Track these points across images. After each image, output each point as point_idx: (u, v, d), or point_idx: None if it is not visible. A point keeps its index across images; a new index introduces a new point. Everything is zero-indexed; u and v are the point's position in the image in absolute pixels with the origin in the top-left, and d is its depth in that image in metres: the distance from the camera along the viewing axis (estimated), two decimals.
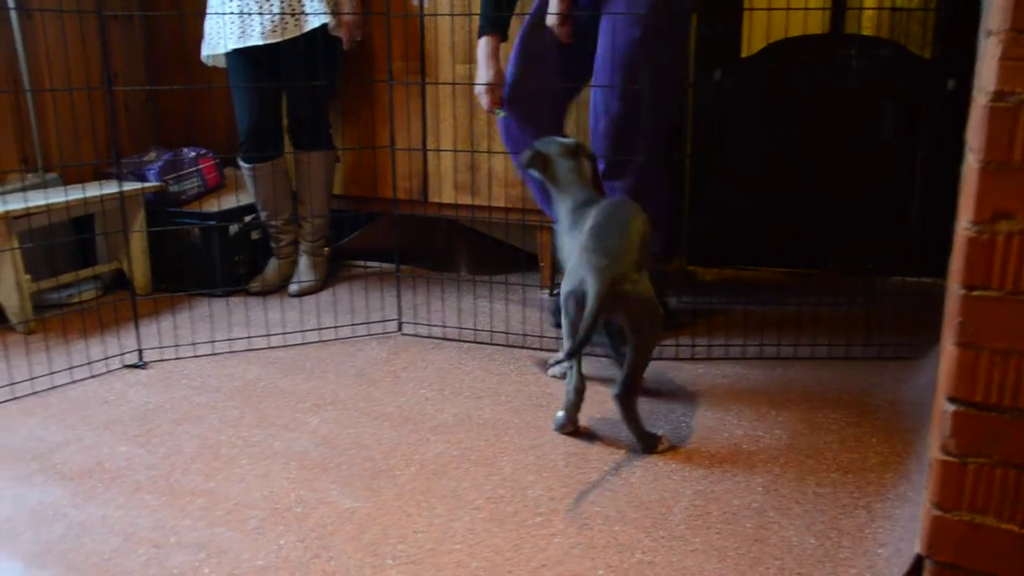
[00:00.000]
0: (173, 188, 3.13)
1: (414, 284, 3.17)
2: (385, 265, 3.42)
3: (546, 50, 2.54)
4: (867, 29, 3.10)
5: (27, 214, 2.72)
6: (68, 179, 3.20)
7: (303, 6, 2.89)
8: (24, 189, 2.99)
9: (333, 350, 2.57)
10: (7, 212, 2.64)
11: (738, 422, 2.06)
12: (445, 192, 3.16)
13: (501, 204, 3.04)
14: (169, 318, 2.86)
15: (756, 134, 3.18)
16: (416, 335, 2.69)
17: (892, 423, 2.05)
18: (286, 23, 2.89)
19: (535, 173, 2.22)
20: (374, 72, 3.17)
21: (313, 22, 2.90)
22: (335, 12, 2.93)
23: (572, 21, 2.49)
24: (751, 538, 1.59)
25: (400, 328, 2.72)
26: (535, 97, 2.55)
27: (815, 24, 3.12)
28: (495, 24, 2.53)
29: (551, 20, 2.48)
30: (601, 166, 2.51)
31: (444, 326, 2.72)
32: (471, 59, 2.95)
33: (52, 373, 2.37)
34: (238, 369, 2.42)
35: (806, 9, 3.05)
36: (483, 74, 2.55)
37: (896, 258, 3.10)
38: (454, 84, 3.02)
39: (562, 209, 2.16)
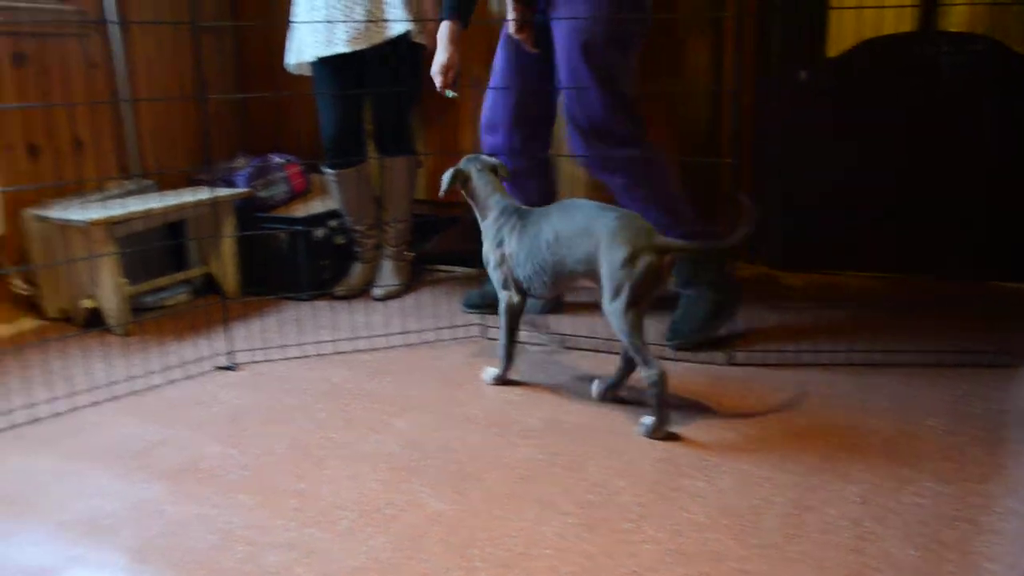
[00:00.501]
0: (261, 194, 3.20)
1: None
2: (467, 270, 3.44)
3: (527, 58, 2.62)
4: (960, 25, 3.01)
5: (127, 219, 2.81)
6: (162, 186, 3.30)
7: (386, 14, 2.92)
8: (122, 196, 3.09)
9: (418, 354, 2.59)
10: (110, 218, 2.72)
11: (829, 430, 2.01)
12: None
13: None
14: (257, 321, 2.92)
15: (844, 135, 3.11)
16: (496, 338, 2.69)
17: (993, 433, 1.98)
18: (369, 31, 2.93)
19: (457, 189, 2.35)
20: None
21: (396, 29, 2.93)
22: (418, 19, 2.96)
23: (530, 27, 2.57)
24: (849, 549, 1.55)
25: (484, 332, 2.73)
26: (526, 104, 2.66)
27: (904, 21, 3.04)
28: (457, 11, 2.60)
29: (510, 28, 2.58)
30: (589, 165, 2.58)
31: (527, 330, 2.72)
32: None
33: (148, 374, 2.44)
34: (325, 372, 2.46)
35: (894, 7, 2.97)
36: (441, 56, 2.62)
37: (991, 262, 3.00)
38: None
39: (489, 218, 2.29)
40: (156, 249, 3.14)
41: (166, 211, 2.94)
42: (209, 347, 2.65)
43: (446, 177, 2.31)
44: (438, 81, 2.63)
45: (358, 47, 2.93)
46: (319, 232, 3.18)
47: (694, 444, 1.96)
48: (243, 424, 2.13)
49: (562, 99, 2.54)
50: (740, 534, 1.61)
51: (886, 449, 1.92)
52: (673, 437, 1.99)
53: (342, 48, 2.94)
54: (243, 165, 3.27)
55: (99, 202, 2.96)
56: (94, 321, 2.86)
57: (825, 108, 3.13)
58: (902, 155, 3.05)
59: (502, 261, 2.25)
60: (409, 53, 3.01)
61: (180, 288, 3.17)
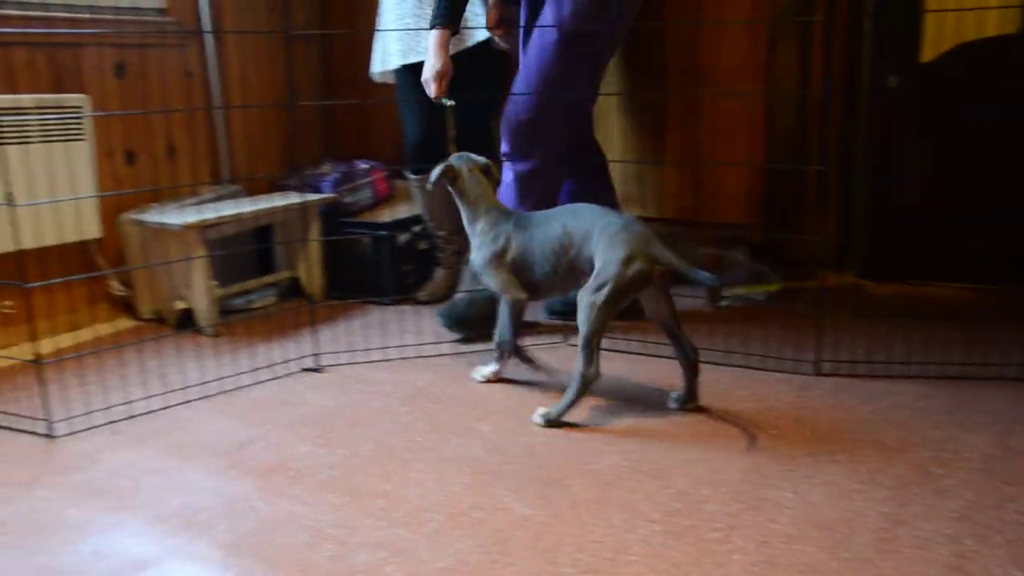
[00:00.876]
0: (347, 199, 3.26)
1: None
2: None
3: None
4: None
5: (219, 223, 2.88)
6: (250, 191, 3.38)
7: (468, 21, 2.95)
8: (213, 200, 3.17)
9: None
10: (203, 221, 2.80)
11: (923, 443, 1.96)
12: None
13: (671, 216, 3.01)
14: (342, 324, 2.97)
15: (936, 142, 3.03)
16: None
17: None
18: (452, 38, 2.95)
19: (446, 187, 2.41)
20: None
21: (478, 36, 2.95)
22: (493, 27, 2.97)
23: (508, 25, 2.73)
24: (948, 567, 1.51)
25: (565, 339, 2.73)
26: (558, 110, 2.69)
27: (1009, 23, 2.94)
28: (448, 18, 2.67)
29: (487, 21, 2.73)
30: (504, 147, 2.73)
31: (611, 337, 2.71)
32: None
33: (238, 375, 2.50)
34: (409, 375, 2.49)
35: (993, 8, 2.89)
36: (434, 63, 2.68)
37: None
38: (619, 94, 3.01)
39: (483, 221, 2.33)
40: (245, 253, 3.22)
41: (256, 215, 3.01)
42: (296, 349, 2.71)
43: (435, 171, 2.35)
44: (431, 89, 2.69)
45: None
46: (402, 237, 3.22)
47: (781, 454, 1.93)
48: (330, 425, 2.16)
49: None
50: (831, 547, 1.58)
51: (985, 464, 1.86)
52: (758, 446, 1.97)
53: (423, 56, 2.97)
54: (329, 171, 3.33)
55: (192, 206, 3.04)
56: (185, 322, 2.95)
57: (916, 114, 3.05)
58: (994, 162, 2.96)
59: (501, 265, 2.28)
60: (491, 59, 3.03)
61: (267, 291, 3.24)
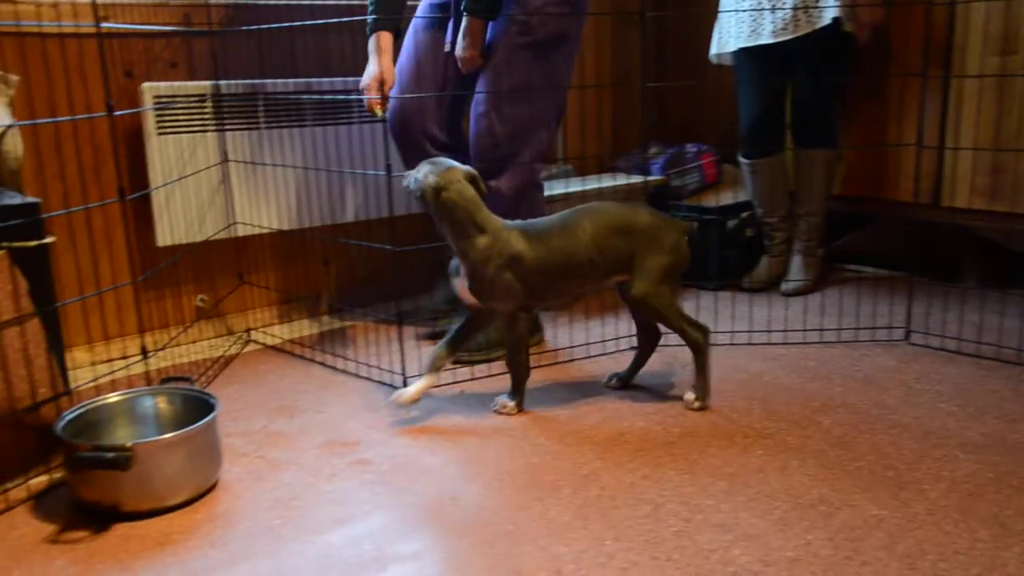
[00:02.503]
0: (675, 182, 3.26)
1: (916, 293, 2.97)
2: (881, 271, 3.26)
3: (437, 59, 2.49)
4: None
5: (551, 201, 2.99)
6: (578, 172, 3.47)
7: (817, 1, 2.83)
8: (547, 180, 3.30)
9: (834, 352, 2.49)
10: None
11: None
12: (959, 196, 2.92)
13: None
14: None
15: None
16: (926, 346, 2.52)
17: None
18: (798, 20, 2.85)
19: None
20: (890, 66, 3.02)
21: (826, 18, 2.83)
22: (852, 4, 2.83)
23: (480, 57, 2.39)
24: None
25: (908, 337, 2.57)
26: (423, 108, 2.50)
27: None
28: (387, 20, 2.40)
29: (459, 53, 2.39)
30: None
31: (960, 339, 2.51)
32: (1007, 49, 2.70)
33: (571, 347, 2.58)
34: (740, 362, 2.45)
35: None
36: (372, 68, 2.38)
37: None
38: (982, 76, 2.77)
39: (482, 239, 2.03)
40: None
41: (585, 195, 3.09)
42: (623, 328, 2.75)
43: (414, 187, 2.06)
44: (368, 96, 2.40)
45: (783, 38, 2.87)
46: (730, 223, 3.18)
47: None
48: (664, 404, 2.18)
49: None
50: None
51: None
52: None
53: (766, 39, 2.90)
54: (657, 154, 3.35)
55: None
56: None
57: None
58: None
59: (511, 283, 2.05)
60: (838, 42, 2.89)
61: None
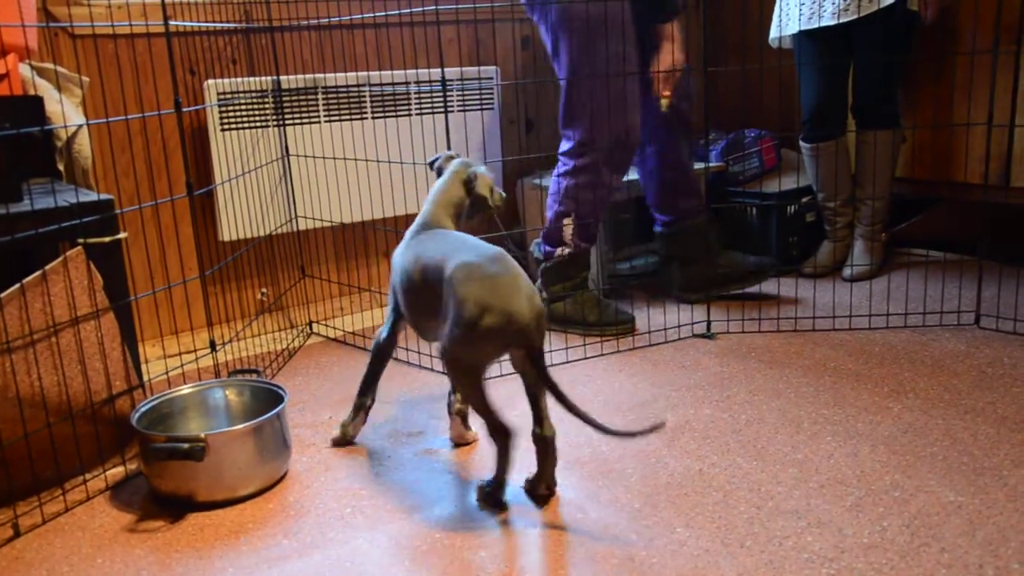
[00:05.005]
0: (734, 168, 3.22)
1: (985, 277, 2.90)
2: (949, 255, 3.19)
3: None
4: None
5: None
6: None
7: None
8: None
9: (901, 338, 2.45)
10: None
11: None
12: None
13: None
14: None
15: None
16: (997, 330, 2.46)
17: None
18: (861, 1, 2.80)
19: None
20: (957, 44, 2.95)
21: None
22: None
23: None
24: None
25: (977, 321, 2.51)
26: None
27: None
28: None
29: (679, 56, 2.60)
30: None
31: (1020, 320, 2.46)
32: None
33: (633, 335, 2.57)
34: (804, 348, 2.42)
35: None
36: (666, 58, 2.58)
37: None
38: None
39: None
40: (630, 219, 3.30)
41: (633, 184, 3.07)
42: (685, 315, 2.73)
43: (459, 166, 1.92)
44: (660, 87, 2.62)
45: (846, 19, 2.82)
46: (790, 208, 3.13)
47: None
48: (729, 391, 2.16)
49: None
50: None
51: None
52: None
53: (828, 21, 2.85)
54: (714, 140, 3.31)
55: None
56: None
57: None
58: None
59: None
60: (903, 21, 2.83)
61: (648, 257, 3.30)
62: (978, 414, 1.94)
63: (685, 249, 2.87)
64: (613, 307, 2.66)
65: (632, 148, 2.62)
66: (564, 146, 2.64)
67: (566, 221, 2.62)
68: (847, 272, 3.05)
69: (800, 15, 2.92)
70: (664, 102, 2.62)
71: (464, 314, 1.53)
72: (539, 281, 2.68)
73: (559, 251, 2.65)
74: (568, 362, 2.42)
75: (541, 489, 1.68)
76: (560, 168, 2.64)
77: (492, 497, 1.68)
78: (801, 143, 3.06)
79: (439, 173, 1.96)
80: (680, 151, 2.80)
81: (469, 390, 1.62)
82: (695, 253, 2.85)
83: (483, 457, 1.88)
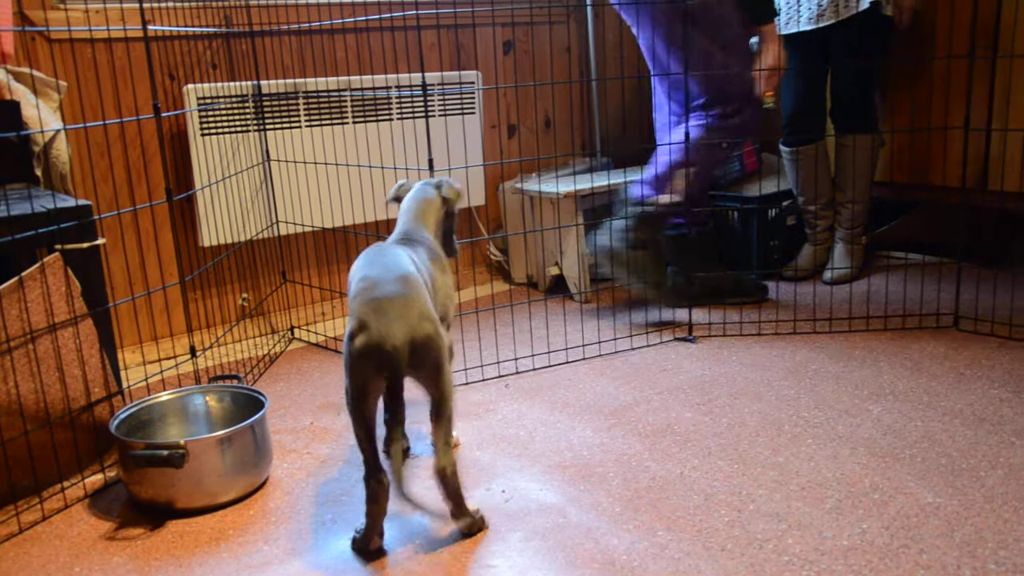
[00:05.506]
0: (715, 172, 3.23)
1: (964, 279, 2.92)
2: (928, 257, 3.21)
3: None
4: None
5: (591, 193, 2.99)
6: (617, 164, 3.46)
7: None
8: (583, 172, 3.29)
9: (881, 340, 2.46)
10: (579, 191, 2.92)
11: None
12: (1008, 179, 2.87)
13: None
14: None
15: None
16: (976, 332, 2.48)
17: None
18: (836, 5, 2.82)
19: None
20: (934, 48, 2.97)
21: (865, 2, 2.79)
22: None
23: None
24: None
25: (956, 323, 2.53)
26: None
27: None
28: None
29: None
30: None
31: (1011, 324, 2.47)
32: None
33: (615, 339, 2.58)
34: (785, 350, 2.43)
35: None
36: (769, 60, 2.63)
37: None
38: None
39: None
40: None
41: (626, 186, 3.07)
42: (667, 318, 2.74)
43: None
44: (763, 87, 2.66)
45: (823, 24, 2.84)
46: (771, 212, 3.15)
47: None
48: (710, 394, 2.17)
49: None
50: None
51: None
52: None
53: (804, 26, 2.87)
54: None
55: (566, 177, 3.17)
56: (556, 288, 3.09)
57: None
58: None
59: None
60: (877, 26, 2.85)
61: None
62: (956, 416, 1.96)
63: (690, 257, 2.89)
64: (748, 279, 2.82)
65: (757, 117, 2.73)
66: (700, 100, 2.71)
67: (679, 172, 2.67)
68: (827, 275, 3.07)
69: (777, 20, 2.93)
70: (769, 102, 2.67)
71: (347, 329, 1.48)
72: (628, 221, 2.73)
73: (661, 198, 2.69)
74: (551, 366, 2.42)
75: (461, 527, 1.59)
76: (693, 120, 2.71)
77: (358, 544, 1.56)
78: (781, 147, 3.08)
79: (399, 200, 1.92)
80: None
81: (351, 414, 1.49)
82: (697, 263, 2.88)
83: (467, 464, 1.88)
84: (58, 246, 1.74)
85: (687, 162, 2.65)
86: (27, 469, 1.74)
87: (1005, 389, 2.08)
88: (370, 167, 2.80)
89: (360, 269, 1.62)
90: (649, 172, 2.73)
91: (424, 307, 1.50)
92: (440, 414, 1.51)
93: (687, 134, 2.60)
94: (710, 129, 2.68)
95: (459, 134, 2.96)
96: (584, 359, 2.46)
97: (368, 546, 1.55)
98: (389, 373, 1.43)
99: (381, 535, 1.57)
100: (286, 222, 2.74)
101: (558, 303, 3.01)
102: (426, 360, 1.48)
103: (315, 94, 2.72)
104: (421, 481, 1.81)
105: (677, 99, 2.76)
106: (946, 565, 1.42)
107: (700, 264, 2.86)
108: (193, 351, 2.19)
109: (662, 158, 2.69)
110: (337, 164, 2.75)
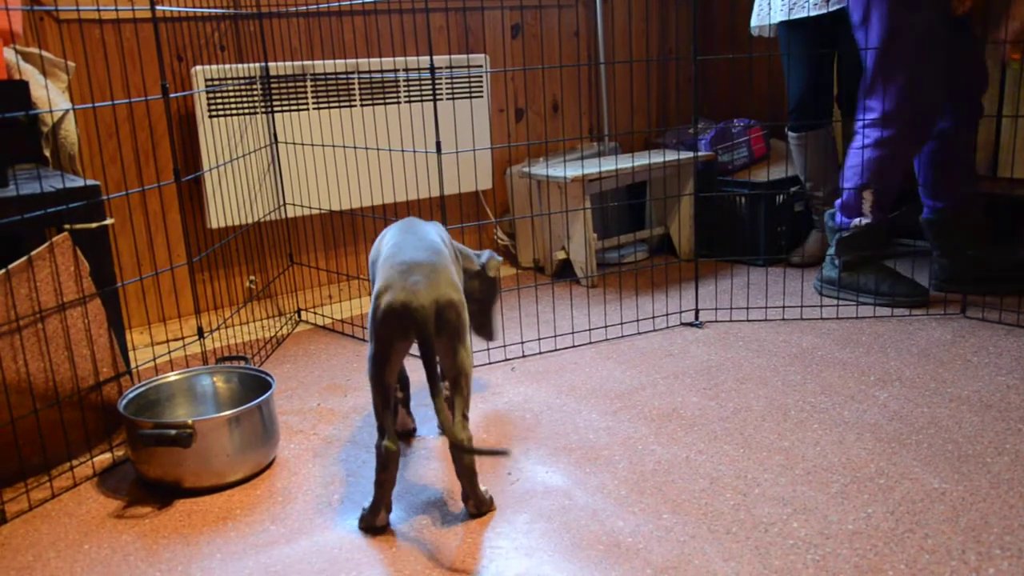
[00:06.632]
0: (723, 158, 3.23)
1: None
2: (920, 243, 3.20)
3: None
4: None
5: (599, 178, 2.98)
6: (624, 148, 3.45)
7: None
8: (592, 156, 3.28)
9: (889, 326, 2.46)
10: (586, 175, 2.91)
11: None
12: (1019, 166, 2.85)
13: None
14: (717, 282, 2.96)
15: None
16: (983, 319, 2.47)
17: None
18: None
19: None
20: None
21: None
22: None
23: None
24: None
25: (964, 311, 2.53)
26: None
27: None
28: None
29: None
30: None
31: (1019, 312, 2.47)
32: None
33: (621, 324, 2.58)
34: (792, 336, 2.43)
35: None
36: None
37: None
38: None
39: None
40: (618, 208, 3.31)
41: (634, 171, 3.07)
42: (675, 303, 2.74)
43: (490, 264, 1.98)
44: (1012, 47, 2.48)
45: (827, 9, 2.82)
46: (778, 198, 3.14)
47: None
48: (716, 379, 2.17)
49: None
50: None
51: None
52: None
53: (810, 11, 2.85)
54: (704, 129, 3.32)
55: (573, 161, 3.16)
56: (562, 272, 3.09)
57: None
58: None
59: None
60: None
61: (639, 246, 3.30)
62: (963, 402, 1.96)
63: (954, 238, 2.74)
64: (907, 279, 2.67)
65: (934, 122, 2.57)
66: (868, 117, 2.60)
67: (865, 194, 2.61)
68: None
69: (783, 5, 2.92)
70: (1015, 64, 2.54)
71: (373, 289, 1.53)
72: (832, 250, 2.70)
73: (855, 222, 2.64)
74: (557, 350, 2.43)
75: (469, 506, 1.60)
76: (862, 140, 2.60)
77: (366, 520, 1.57)
78: (788, 133, 3.07)
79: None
80: (972, 134, 2.71)
81: (371, 380, 1.52)
82: (965, 243, 2.73)
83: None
84: (67, 226, 1.75)
85: (865, 185, 2.60)
86: (36, 447, 1.76)
87: (1012, 376, 2.08)
88: (378, 150, 2.80)
89: (391, 237, 1.67)
90: (842, 197, 2.68)
91: (450, 276, 1.54)
92: (458, 389, 1.53)
93: (863, 159, 2.58)
94: (875, 146, 2.57)
95: (467, 117, 2.96)
96: (590, 343, 2.47)
97: (375, 521, 1.57)
98: (417, 333, 1.46)
99: (389, 509, 1.58)
100: (293, 204, 2.74)
101: (565, 287, 3.01)
102: (448, 325, 1.51)
103: (323, 76, 2.72)
104: (427, 463, 1.82)
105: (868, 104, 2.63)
106: (951, 550, 1.42)
107: (969, 242, 2.72)
108: (201, 332, 2.20)
109: (847, 183, 2.65)
110: (345, 147, 2.75)
